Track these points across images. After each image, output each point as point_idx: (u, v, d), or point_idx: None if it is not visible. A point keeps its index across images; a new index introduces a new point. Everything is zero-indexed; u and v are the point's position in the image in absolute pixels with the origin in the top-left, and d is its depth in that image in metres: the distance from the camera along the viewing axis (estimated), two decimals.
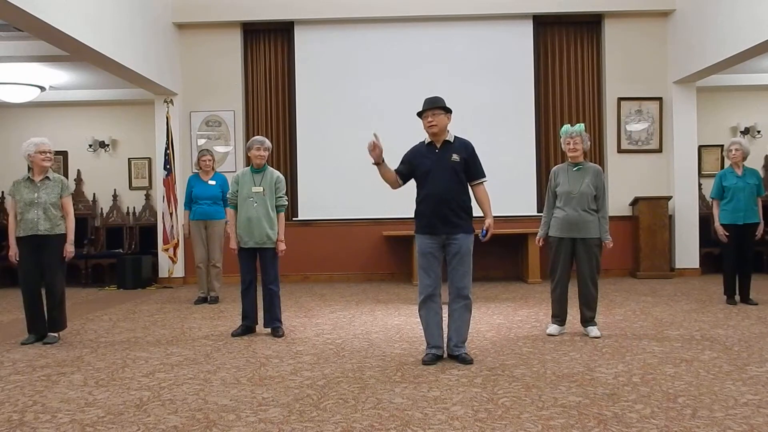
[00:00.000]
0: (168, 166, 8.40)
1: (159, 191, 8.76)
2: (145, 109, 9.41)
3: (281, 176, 5.39)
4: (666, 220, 8.63)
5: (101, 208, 9.86)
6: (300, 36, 9.12)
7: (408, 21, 9.03)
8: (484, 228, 4.26)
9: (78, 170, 9.96)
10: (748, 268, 6.34)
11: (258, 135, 9.16)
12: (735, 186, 6.31)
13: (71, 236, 5.17)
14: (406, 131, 8.95)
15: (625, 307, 6.33)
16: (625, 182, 8.94)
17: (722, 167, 9.69)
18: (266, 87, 9.26)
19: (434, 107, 4.21)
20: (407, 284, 8.40)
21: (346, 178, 8.87)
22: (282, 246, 5.25)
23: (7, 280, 9.26)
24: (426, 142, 4.32)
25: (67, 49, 6.59)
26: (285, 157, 9.21)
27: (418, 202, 4.29)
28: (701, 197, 9.29)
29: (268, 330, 5.30)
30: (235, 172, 9.02)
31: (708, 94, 9.33)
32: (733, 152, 6.37)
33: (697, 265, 8.90)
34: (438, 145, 4.26)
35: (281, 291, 5.40)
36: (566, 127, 5.08)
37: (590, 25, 9.18)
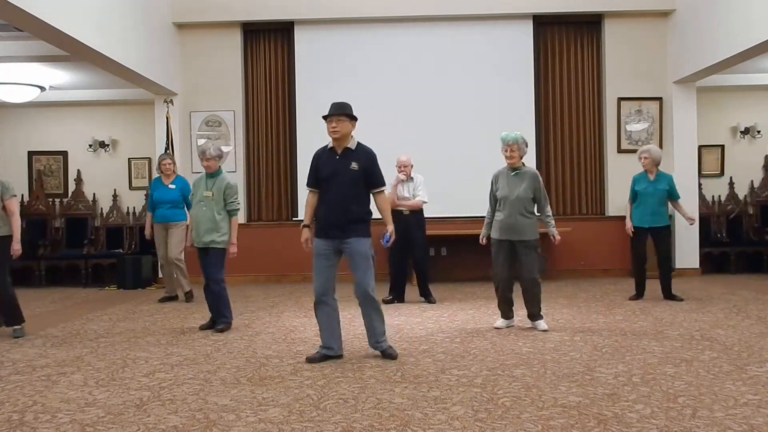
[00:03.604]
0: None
1: None
2: (145, 109, 9.41)
3: (231, 182, 5.56)
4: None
5: (101, 208, 9.85)
6: (300, 36, 9.12)
7: (408, 21, 9.02)
8: (386, 234, 4.31)
9: (78, 170, 9.96)
10: (666, 267, 6.69)
11: (258, 135, 9.23)
12: (644, 191, 6.63)
13: (17, 235, 5.31)
14: (406, 131, 9.03)
15: (625, 307, 6.33)
16: (625, 182, 8.81)
17: (722, 167, 9.74)
18: (266, 87, 9.26)
19: (339, 113, 4.22)
20: (407, 284, 8.39)
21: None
22: (233, 249, 5.49)
23: None
24: (328, 146, 4.36)
25: (67, 49, 6.59)
26: (285, 157, 9.20)
27: (318, 206, 4.35)
28: (701, 197, 9.29)
29: (260, 329, 5.31)
30: (234, 172, 9.12)
31: (708, 94, 9.33)
32: (643, 160, 6.70)
33: (697, 265, 8.90)
34: (339, 152, 4.29)
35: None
36: (504, 134, 5.24)
37: (590, 25, 9.17)
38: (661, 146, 9.00)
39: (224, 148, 9.05)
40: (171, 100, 8.69)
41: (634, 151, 8.98)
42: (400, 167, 6.78)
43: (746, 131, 9.71)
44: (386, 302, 6.70)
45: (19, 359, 4.56)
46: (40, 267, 9.19)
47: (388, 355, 4.36)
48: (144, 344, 5.00)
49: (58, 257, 9.38)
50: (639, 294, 6.75)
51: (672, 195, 6.67)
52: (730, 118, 9.77)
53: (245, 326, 5.67)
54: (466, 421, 3.07)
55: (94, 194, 9.90)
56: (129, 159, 9.95)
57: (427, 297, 6.87)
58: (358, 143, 4.37)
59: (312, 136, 9.09)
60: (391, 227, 4.36)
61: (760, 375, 3.77)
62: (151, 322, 5.94)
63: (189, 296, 7.22)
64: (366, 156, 4.32)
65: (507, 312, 5.42)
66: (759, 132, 9.68)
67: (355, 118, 4.33)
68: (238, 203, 5.57)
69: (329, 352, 4.34)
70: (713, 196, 9.57)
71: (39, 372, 4.18)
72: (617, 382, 3.66)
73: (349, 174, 4.24)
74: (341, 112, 4.25)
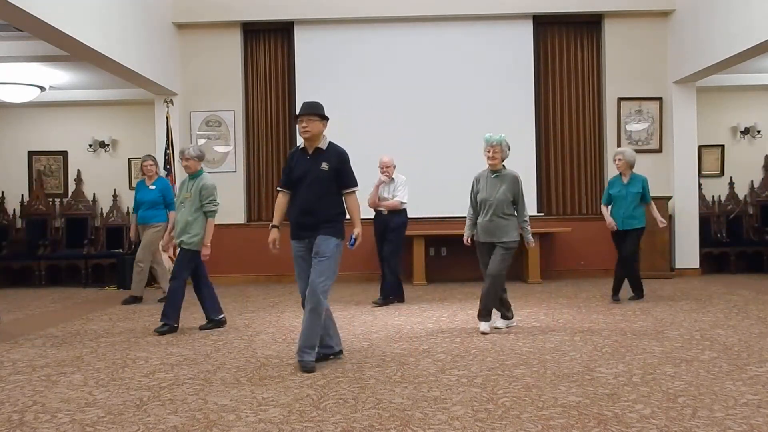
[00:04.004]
0: (168, 166, 8.41)
1: None
2: (145, 109, 9.41)
3: (207, 184, 5.53)
4: (666, 220, 8.62)
5: (101, 208, 9.85)
6: (300, 36, 9.12)
7: (408, 21, 9.02)
8: (353, 236, 4.26)
9: (78, 170, 9.96)
10: (627, 267, 6.61)
11: (258, 135, 9.24)
12: (618, 194, 6.62)
13: None
14: (406, 131, 9.03)
15: (625, 307, 6.33)
16: None
17: (722, 167, 9.75)
18: (266, 87, 9.26)
19: (310, 113, 4.17)
20: (407, 284, 8.39)
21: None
22: (206, 251, 5.49)
23: (7, 280, 9.28)
24: (300, 147, 4.32)
25: (67, 49, 6.58)
26: (285, 157, 9.18)
27: (290, 207, 4.31)
28: (701, 197, 9.29)
29: (260, 329, 5.30)
30: (234, 172, 9.12)
31: (708, 94, 9.33)
32: (617, 162, 6.69)
33: (697, 265, 8.90)
34: (310, 152, 4.24)
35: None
36: (488, 135, 5.25)
37: (590, 25, 9.18)
38: (661, 146, 9.03)
39: (225, 149, 9.12)
40: (171, 100, 8.68)
41: (633, 151, 9.02)
42: (382, 168, 6.80)
43: (746, 131, 9.71)
44: (379, 305, 6.64)
45: (19, 359, 4.56)
46: (40, 267, 9.19)
47: (303, 366, 4.04)
48: (144, 344, 5.00)
49: (58, 257, 9.38)
50: (615, 294, 6.70)
51: (644, 197, 6.61)
52: (730, 118, 9.77)
53: (245, 326, 5.68)
54: (466, 421, 3.07)
55: (94, 194, 9.90)
56: (129, 159, 9.95)
57: (380, 296, 6.79)
58: (330, 143, 4.30)
59: None
60: (358, 230, 4.26)
61: (760, 375, 3.77)
62: (151, 322, 5.94)
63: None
64: (337, 156, 4.25)
65: (506, 312, 5.43)
66: (759, 132, 9.68)
67: (326, 118, 4.27)
68: (215, 204, 5.50)
69: (328, 351, 4.30)
70: (713, 196, 9.58)
71: (39, 372, 4.18)
72: (617, 382, 3.66)
73: (319, 174, 4.17)
74: (312, 112, 4.17)
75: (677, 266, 8.85)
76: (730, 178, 9.65)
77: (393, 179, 6.82)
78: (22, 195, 9.81)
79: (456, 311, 6.29)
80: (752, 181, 9.70)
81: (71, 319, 6.26)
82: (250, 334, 5.32)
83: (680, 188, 8.85)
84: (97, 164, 9.99)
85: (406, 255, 8.77)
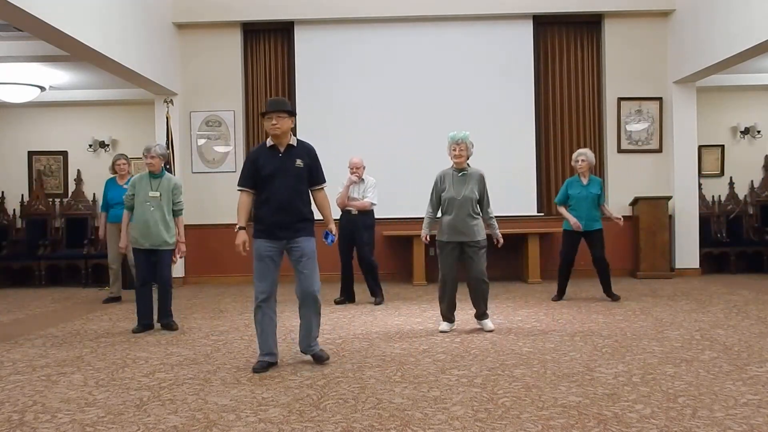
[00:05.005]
0: (167, 166, 8.38)
1: None
2: (145, 109, 9.41)
3: (178, 183, 5.62)
4: (666, 220, 8.63)
5: None
6: (300, 36, 9.12)
7: (408, 21, 9.02)
8: (331, 233, 4.28)
9: (78, 170, 9.96)
10: (603, 267, 6.72)
11: (258, 135, 9.23)
12: (578, 195, 6.65)
13: None
14: (406, 131, 9.02)
15: (625, 307, 6.33)
16: (625, 182, 8.93)
17: (722, 167, 9.74)
18: (266, 87, 9.26)
19: (278, 110, 4.12)
20: (407, 284, 8.40)
21: (346, 178, 8.86)
22: (183, 247, 5.57)
23: (7, 280, 9.28)
24: (268, 144, 4.22)
25: (67, 49, 6.58)
26: None
27: (259, 206, 4.20)
28: (701, 197, 9.29)
29: (253, 327, 5.29)
30: (234, 172, 9.10)
31: (708, 94, 9.33)
32: (580, 163, 6.70)
33: (697, 265, 8.90)
34: (281, 149, 4.19)
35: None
36: (453, 133, 5.24)
37: (590, 25, 9.17)
38: (661, 146, 9.03)
39: (225, 149, 9.11)
40: (171, 100, 8.68)
41: (634, 151, 9.04)
42: (352, 168, 6.80)
43: (746, 131, 9.71)
44: (337, 303, 6.84)
45: (19, 359, 4.56)
46: (40, 267, 9.19)
47: (319, 358, 4.22)
48: (144, 344, 5.00)
49: (58, 257, 9.38)
50: (560, 295, 6.82)
51: (600, 199, 6.70)
52: (730, 118, 9.77)
53: (245, 326, 5.68)
54: (466, 421, 3.07)
55: (94, 194, 9.89)
56: (129, 159, 9.93)
57: (375, 296, 6.89)
58: (298, 140, 4.30)
59: (312, 136, 9.11)
60: (333, 226, 4.31)
61: (760, 375, 3.77)
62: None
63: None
64: (308, 153, 4.26)
65: (451, 316, 5.35)
66: (759, 132, 9.68)
67: (294, 114, 4.27)
68: (183, 203, 5.68)
69: (272, 359, 4.17)
70: (713, 196, 9.57)
71: (39, 372, 4.18)
72: (617, 382, 3.66)
73: (295, 171, 4.16)
74: (281, 109, 4.13)
75: (677, 266, 8.85)
76: (730, 178, 9.65)
77: (363, 180, 6.82)
78: (22, 195, 9.81)
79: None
80: (752, 181, 9.70)
81: (71, 319, 6.27)
82: (250, 334, 5.31)
83: (680, 188, 8.85)
84: (97, 164, 9.98)
85: (406, 255, 8.79)
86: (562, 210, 6.78)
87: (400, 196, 8.48)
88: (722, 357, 4.21)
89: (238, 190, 4.30)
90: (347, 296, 6.95)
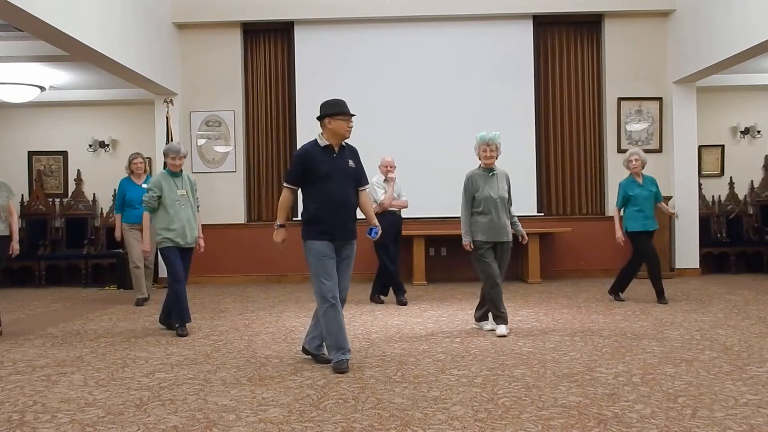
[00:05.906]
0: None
1: None
2: (145, 109, 9.41)
3: (195, 180, 5.70)
4: (666, 220, 8.61)
5: (101, 208, 9.85)
6: (300, 36, 9.12)
7: (408, 21, 9.03)
8: (375, 227, 4.30)
9: (78, 170, 9.96)
10: (658, 266, 6.54)
11: (258, 136, 9.23)
12: (641, 195, 6.48)
13: (16, 235, 5.92)
14: (406, 131, 9.02)
15: (625, 307, 6.33)
16: None
17: (722, 167, 9.74)
18: (266, 87, 9.26)
19: (351, 113, 4.23)
20: (407, 284, 8.39)
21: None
22: (202, 242, 5.57)
23: (7, 280, 9.28)
24: (322, 144, 4.22)
25: (67, 49, 6.59)
26: (285, 157, 9.19)
27: (316, 206, 4.13)
28: (701, 197, 9.29)
29: (260, 329, 5.29)
30: (234, 172, 9.12)
31: (708, 94, 9.33)
32: (634, 163, 6.52)
33: (697, 265, 8.90)
34: (336, 149, 4.21)
35: None
36: (483, 134, 5.14)
37: (590, 25, 9.18)
38: (661, 146, 9.03)
39: (225, 149, 9.11)
40: (171, 100, 8.68)
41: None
42: (388, 167, 6.79)
43: (746, 131, 9.71)
44: (377, 302, 6.88)
45: (19, 359, 4.56)
46: (40, 267, 9.19)
47: (324, 360, 4.20)
48: (144, 344, 5.00)
49: (58, 257, 9.38)
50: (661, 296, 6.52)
51: (658, 197, 6.60)
52: (730, 118, 9.77)
53: (245, 326, 5.68)
54: (466, 421, 3.07)
55: (94, 194, 9.90)
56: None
57: (403, 294, 6.84)
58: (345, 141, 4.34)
59: (312, 136, 9.10)
60: (377, 221, 4.38)
61: (760, 375, 3.77)
62: (151, 322, 5.94)
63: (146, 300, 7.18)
64: (354, 154, 4.31)
65: (506, 315, 5.20)
66: (759, 132, 9.68)
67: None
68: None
69: (350, 355, 4.14)
70: (713, 196, 9.58)
71: (39, 372, 4.18)
72: (617, 382, 3.66)
73: (349, 172, 4.21)
74: (351, 112, 4.27)
75: (677, 266, 8.85)
76: (730, 178, 9.65)
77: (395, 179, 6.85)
78: (22, 195, 9.80)
79: (456, 311, 6.28)
80: (752, 181, 9.70)
81: (71, 319, 6.27)
82: (250, 334, 5.32)
83: (680, 188, 8.85)
84: (97, 164, 9.98)
85: (406, 255, 8.78)
86: (616, 215, 6.65)
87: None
88: (722, 357, 4.21)
89: (286, 186, 4.30)
90: (398, 290, 6.80)
